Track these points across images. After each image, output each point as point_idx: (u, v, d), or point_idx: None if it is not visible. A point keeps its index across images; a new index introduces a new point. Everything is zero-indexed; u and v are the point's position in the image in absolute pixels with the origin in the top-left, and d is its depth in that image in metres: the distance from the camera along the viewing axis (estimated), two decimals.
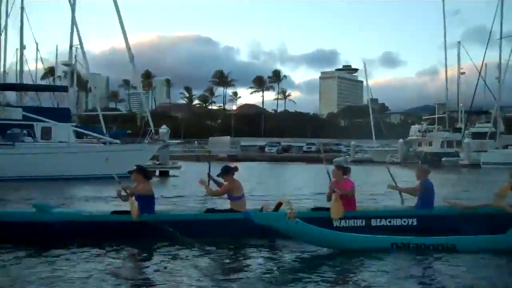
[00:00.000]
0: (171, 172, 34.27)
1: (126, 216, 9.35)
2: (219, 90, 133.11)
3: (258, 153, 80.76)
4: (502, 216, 8.94)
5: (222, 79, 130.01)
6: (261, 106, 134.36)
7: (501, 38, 60.10)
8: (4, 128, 29.65)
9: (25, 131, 30.28)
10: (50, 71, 58.13)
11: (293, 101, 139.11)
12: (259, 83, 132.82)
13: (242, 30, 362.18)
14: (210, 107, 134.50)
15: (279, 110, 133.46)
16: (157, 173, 33.58)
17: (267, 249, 8.76)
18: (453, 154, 59.78)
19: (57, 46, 55.47)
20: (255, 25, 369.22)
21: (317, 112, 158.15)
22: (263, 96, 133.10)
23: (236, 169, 9.89)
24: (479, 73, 63.12)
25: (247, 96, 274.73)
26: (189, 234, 8.85)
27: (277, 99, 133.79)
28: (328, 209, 9.78)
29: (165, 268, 7.48)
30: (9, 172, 25.63)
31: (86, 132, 34.75)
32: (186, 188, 21.46)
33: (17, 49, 42.20)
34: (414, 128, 75.08)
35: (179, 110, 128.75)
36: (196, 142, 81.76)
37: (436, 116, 73.59)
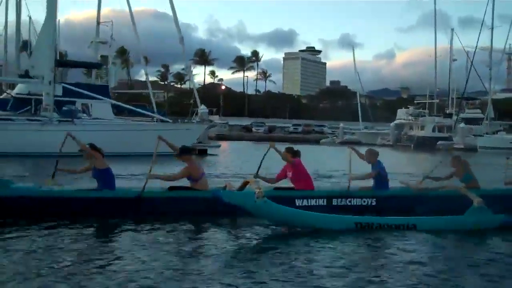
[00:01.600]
0: (210, 150, 34.97)
1: (86, 192, 9.73)
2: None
3: (244, 132, 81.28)
4: (456, 198, 9.57)
5: (203, 57, 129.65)
6: (229, 86, 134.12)
7: (492, 28, 62.01)
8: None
9: (79, 108, 30.94)
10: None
11: (273, 82, 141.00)
12: (241, 63, 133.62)
13: (199, 7, 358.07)
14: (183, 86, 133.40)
15: (244, 90, 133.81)
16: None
17: (229, 227, 9.24)
18: (447, 138, 61.06)
19: (58, 20, 54.74)
20: (213, 2, 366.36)
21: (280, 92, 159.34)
22: (247, 76, 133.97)
23: (194, 151, 10.28)
24: (471, 61, 65.00)
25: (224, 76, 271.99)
26: (153, 210, 9.38)
27: (257, 79, 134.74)
28: (289, 189, 10.45)
29: (129, 244, 7.75)
30: (70, 148, 25.90)
31: (138, 110, 35.20)
32: (229, 166, 22.87)
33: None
34: (401, 111, 76.06)
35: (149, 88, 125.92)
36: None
37: (427, 101, 75.08)
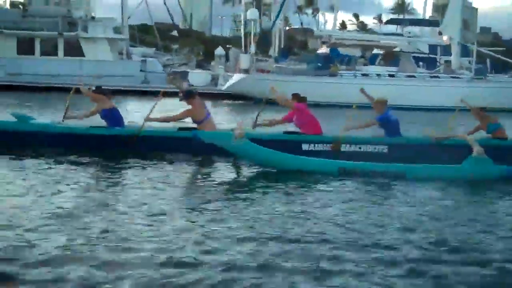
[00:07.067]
0: None
1: (102, 129, 10.42)
2: None
3: None
4: (468, 147, 9.08)
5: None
6: None
7: None
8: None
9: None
10: None
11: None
12: (400, 9, 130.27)
13: None
14: None
15: None
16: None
17: (223, 165, 9.64)
18: None
19: None
20: None
21: None
22: None
23: (196, 93, 10.65)
24: None
25: None
26: (156, 149, 10.03)
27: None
28: (297, 133, 10.54)
29: (133, 178, 8.48)
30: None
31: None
32: None
33: None
34: None
35: None
36: None
37: None
